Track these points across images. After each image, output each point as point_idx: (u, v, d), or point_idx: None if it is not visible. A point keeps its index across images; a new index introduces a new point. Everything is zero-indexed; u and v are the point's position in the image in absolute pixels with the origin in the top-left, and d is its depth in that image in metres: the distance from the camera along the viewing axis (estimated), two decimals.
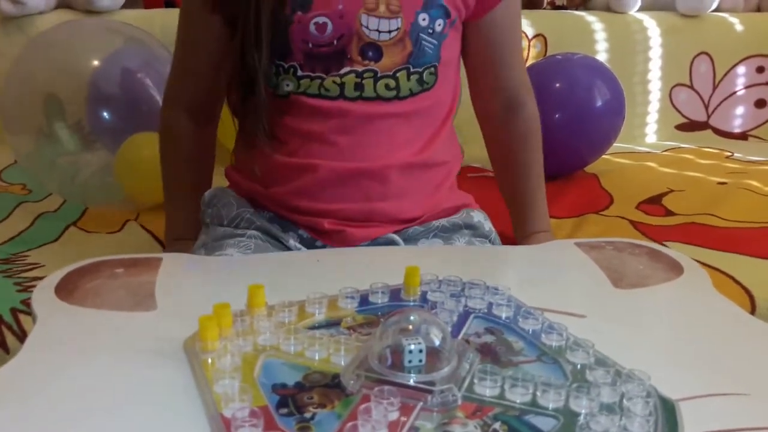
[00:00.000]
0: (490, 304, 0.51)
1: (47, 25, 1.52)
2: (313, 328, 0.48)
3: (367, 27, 0.71)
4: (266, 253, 0.70)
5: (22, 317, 0.84)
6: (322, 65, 0.72)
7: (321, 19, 0.70)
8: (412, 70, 0.74)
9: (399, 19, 0.72)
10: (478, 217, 0.82)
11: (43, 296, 0.53)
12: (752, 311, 0.87)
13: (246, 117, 0.74)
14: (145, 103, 1.19)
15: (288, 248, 0.75)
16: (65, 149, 1.19)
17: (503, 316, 0.50)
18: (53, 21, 1.54)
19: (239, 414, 0.36)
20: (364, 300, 0.52)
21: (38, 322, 0.49)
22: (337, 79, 0.72)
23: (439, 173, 0.80)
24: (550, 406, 0.38)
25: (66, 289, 0.54)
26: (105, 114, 1.18)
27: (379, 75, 0.73)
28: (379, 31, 0.71)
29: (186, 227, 0.86)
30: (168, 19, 1.56)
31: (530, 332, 0.47)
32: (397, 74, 0.73)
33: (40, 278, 0.92)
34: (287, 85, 0.73)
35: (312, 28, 0.71)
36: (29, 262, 0.99)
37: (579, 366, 0.43)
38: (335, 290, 0.52)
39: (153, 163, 0.92)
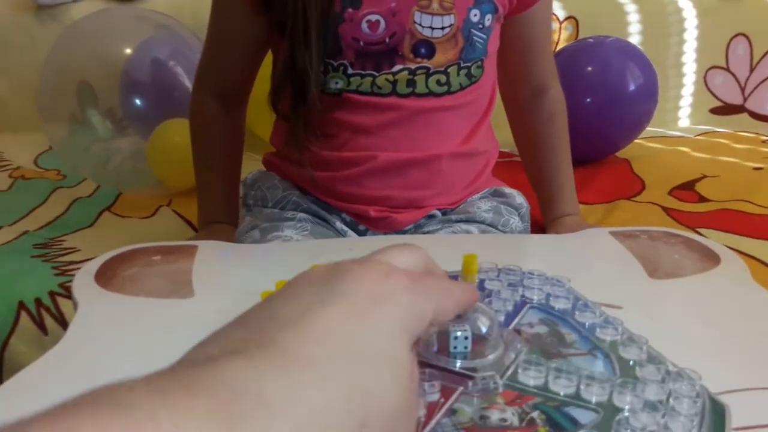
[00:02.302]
0: (548, 295, 0.51)
1: (80, 13, 1.54)
2: None
3: (420, 24, 0.71)
4: (301, 241, 0.71)
5: (59, 300, 0.86)
6: (373, 63, 0.72)
7: (373, 17, 0.70)
8: (462, 65, 0.74)
9: (452, 16, 0.71)
10: (510, 190, 0.83)
11: (83, 283, 0.54)
12: None
13: (295, 119, 0.73)
14: (176, 89, 1.20)
15: (336, 230, 0.76)
16: (98, 135, 1.21)
17: (560, 307, 0.50)
18: (87, 9, 1.55)
19: None
20: None
21: (80, 308, 0.51)
22: (390, 77, 0.72)
23: (479, 162, 0.81)
24: (594, 399, 0.38)
25: (105, 276, 0.55)
26: (137, 101, 1.20)
27: (431, 71, 0.73)
28: (432, 28, 0.71)
29: (218, 210, 0.87)
30: (198, 4, 1.56)
31: (586, 326, 0.47)
32: (449, 69, 0.73)
33: (76, 262, 0.95)
34: (336, 83, 0.73)
35: (364, 26, 0.70)
36: (65, 246, 1.02)
37: (631, 362, 0.42)
38: None
39: (184, 149, 0.93)
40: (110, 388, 0.21)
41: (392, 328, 0.28)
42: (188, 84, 1.18)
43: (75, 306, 0.52)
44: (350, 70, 0.72)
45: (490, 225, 0.78)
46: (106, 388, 0.21)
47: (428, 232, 0.77)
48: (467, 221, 0.77)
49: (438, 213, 0.78)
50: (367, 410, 0.24)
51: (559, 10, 1.68)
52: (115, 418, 0.19)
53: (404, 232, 0.77)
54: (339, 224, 0.77)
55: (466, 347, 0.41)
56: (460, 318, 0.42)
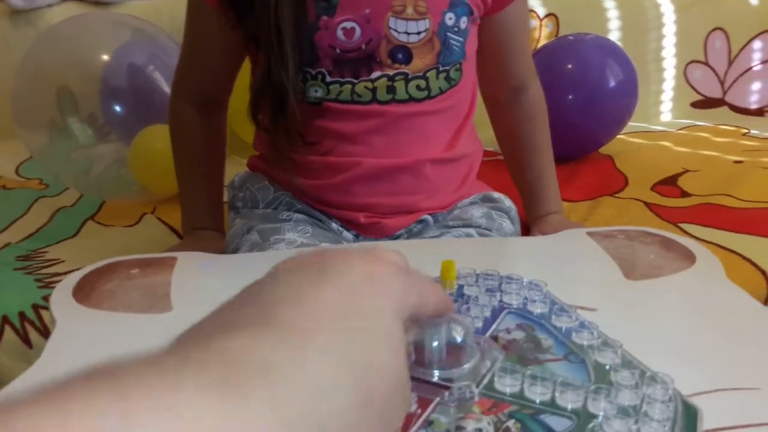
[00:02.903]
0: (526, 300, 0.52)
1: (56, 18, 1.52)
2: None
3: (395, 30, 0.71)
4: (282, 251, 0.71)
5: (43, 313, 0.86)
6: (351, 70, 0.72)
7: (348, 24, 0.70)
8: (441, 69, 0.74)
9: (427, 20, 0.71)
10: (498, 195, 0.84)
11: (61, 299, 0.54)
12: None
13: (275, 129, 0.73)
14: (156, 94, 1.20)
15: (333, 232, 0.76)
16: (79, 142, 1.20)
17: (537, 312, 0.50)
18: (62, 13, 1.54)
19: None
20: None
21: (57, 325, 0.50)
22: (369, 84, 0.72)
23: (465, 165, 0.82)
24: (569, 406, 0.38)
25: (83, 291, 0.55)
26: (117, 107, 1.19)
27: (410, 77, 0.73)
28: (408, 33, 0.71)
29: (201, 216, 0.87)
30: (176, 9, 1.55)
31: (562, 330, 0.47)
32: (427, 74, 0.73)
33: (60, 274, 0.95)
34: (316, 92, 0.73)
35: (339, 33, 0.70)
36: (48, 258, 1.01)
37: (606, 367, 0.43)
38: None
39: (166, 155, 0.93)
40: (104, 367, 0.20)
41: (387, 305, 0.29)
42: (167, 89, 1.17)
43: (53, 322, 0.52)
44: (328, 78, 0.72)
45: (485, 229, 0.78)
46: (100, 368, 0.20)
47: (422, 234, 0.77)
48: (465, 226, 0.78)
49: (429, 218, 0.78)
50: (370, 382, 0.25)
51: (539, 7, 1.68)
52: (111, 399, 0.19)
53: (396, 238, 0.77)
54: (334, 225, 0.77)
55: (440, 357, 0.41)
56: (433, 327, 0.42)
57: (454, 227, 0.78)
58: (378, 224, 0.76)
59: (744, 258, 0.91)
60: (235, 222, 0.80)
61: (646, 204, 1.14)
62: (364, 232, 0.77)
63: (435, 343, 0.41)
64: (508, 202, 0.84)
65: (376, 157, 0.75)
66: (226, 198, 0.90)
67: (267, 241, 0.72)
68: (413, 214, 0.77)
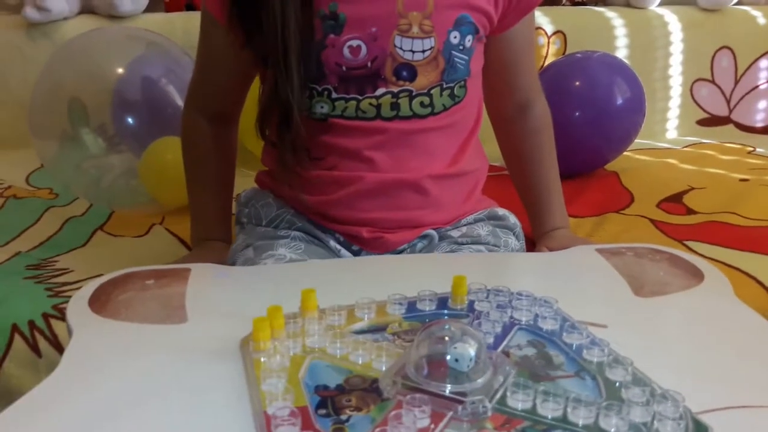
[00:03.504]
0: (536, 316, 0.52)
1: (71, 31, 1.54)
2: (360, 332, 0.51)
3: (401, 48, 0.72)
4: (292, 263, 0.72)
5: (53, 322, 0.86)
6: (356, 87, 0.73)
7: (355, 42, 0.71)
8: (445, 86, 0.75)
9: (432, 39, 0.73)
10: (503, 212, 0.84)
11: (77, 309, 0.55)
12: None
13: (282, 145, 0.74)
14: (168, 107, 1.21)
15: (330, 249, 0.77)
16: (90, 152, 1.21)
17: (548, 329, 0.51)
18: (77, 26, 1.56)
19: (279, 413, 0.39)
20: (411, 307, 0.54)
21: (74, 335, 0.51)
22: (374, 101, 0.73)
23: (470, 181, 0.82)
24: (581, 423, 0.39)
25: (99, 301, 0.56)
26: (129, 119, 1.20)
27: (414, 94, 0.74)
28: (413, 51, 0.72)
29: (211, 228, 0.88)
30: (189, 23, 1.57)
31: (573, 347, 0.48)
32: (432, 91, 0.74)
33: (70, 283, 0.95)
34: (321, 107, 0.74)
35: (346, 51, 0.72)
36: (59, 267, 1.02)
37: (617, 384, 0.43)
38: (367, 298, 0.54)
39: (177, 167, 0.94)
40: None
41: None
42: (180, 102, 1.18)
43: (69, 332, 0.52)
44: (334, 95, 0.73)
45: (493, 245, 0.80)
46: None
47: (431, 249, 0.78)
48: (473, 243, 0.79)
49: (433, 233, 0.79)
50: None
51: (547, 25, 1.70)
52: None
53: (400, 252, 0.78)
54: (333, 243, 0.78)
55: (468, 366, 0.42)
56: (446, 342, 0.43)
57: (464, 244, 0.78)
58: (381, 239, 0.77)
59: (749, 276, 0.91)
60: (238, 237, 0.82)
61: (652, 221, 1.15)
62: (367, 246, 0.78)
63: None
64: (513, 219, 0.85)
65: (379, 173, 0.75)
66: (234, 210, 0.91)
67: (259, 257, 0.73)
68: (417, 228, 0.78)
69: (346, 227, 0.77)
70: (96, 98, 1.19)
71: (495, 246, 0.80)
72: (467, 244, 0.78)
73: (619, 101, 1.32)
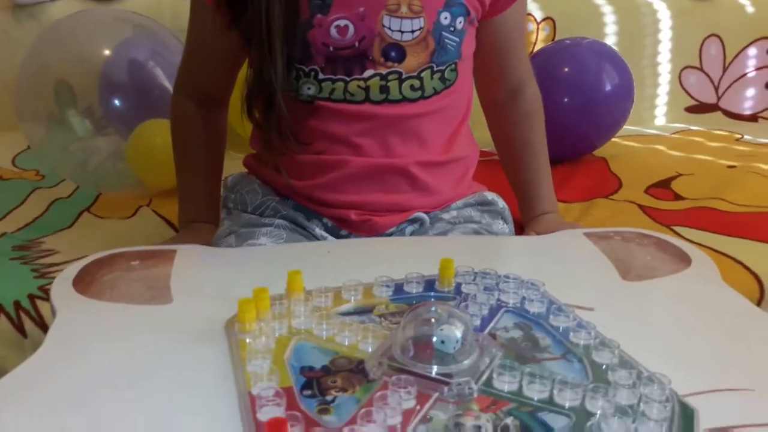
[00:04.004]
0: (523, 299, 0.52)
1: (58, 12, 1.52)
2: (346, 314, 0.50)
3: (389, 28, 0.71)
4: (278, 245, 0.72)
5: (39, 303, 0.86)
6: (344, 68, 0.72)
7: (342, 22, 0.71)
8: (435, 68, 0.74)
9: (421, 19, 0.72)
10: (492, 196, 0.84)
11: (61, 289, 0.54)
12: (761, 297, 0.88)
13: (267, 126, 0.74)
14: (156, 89, 1.20)
15: (315, 236, 0.77)
16: (77, 135, 1.20)
17: (535, 311, 0.51)
18: (64, 8, 1.54)
19: (264, 393, 0.38)
20: (398, 289, 0.54)
21: (58, 315, 0.51)
22: (362, 83, 0.72)
23: (460, 167, 0.82)
24: (567, 404, 0.39)
25: (83, 282, 0.55)
26: (116, 101, 1.19)
27: (404, 76, 0.73)
28: (402, 32, 0.71)
29: (199, 210, 0.87)
30: (177, 6, 1.55)
31: (560, 330, 0.48)
32: (422, 74, 0.74)
33: (56, 264, 0.95)
34: (308, 89, 0.73)
35: (333, 31, 0.71)
36: (44, 248, 1.01)
37: (603, 366, 0.43)
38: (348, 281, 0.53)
39: (164, 150, 0.93)
40: None
41: None
42: (167, 85, 1.17)
43: (53, 312, 0.52)
44: (321, 75, 0.73)
45: (485, 228, 0.80)
46: None
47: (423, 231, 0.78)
48: (466, 222, 0.79)
49: (423, 216, 0.78)
50: None
51: (536, 11, 1.69)
52: None
53: (388, 235, 0.77)
54: (318, 230, 0.77)
55: (454, 348, 0.42)
56: (433, 323, 0.43)
57: (457, 224, 0.78)
58: (369, 221, 0.76)
59: (736, 261, 0.92)
60: (223, 223, 0.81)
61: (640, 206, 1.15)
62: (355, 230, 0.77)
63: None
64: (501, 203, 0.85)
65: (366, 157, 0.75)
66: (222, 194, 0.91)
67: (240, 246, 0.73)
68: (406, 212, 0.78)
69: (333, 210, 0.77)
70: (83, 80, 1.18)
71: (486, 229, 0.80)
72: (460, 223, 0.78)
73: (608, 88, 1.33)
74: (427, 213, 0.79)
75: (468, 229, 0.77)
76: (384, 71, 0.73)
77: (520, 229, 0.92)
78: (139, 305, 0.52)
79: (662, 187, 1.26)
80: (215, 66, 0.83)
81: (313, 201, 0.77)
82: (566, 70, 1.33)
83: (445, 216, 0.80)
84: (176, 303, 0.52)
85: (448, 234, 0.76)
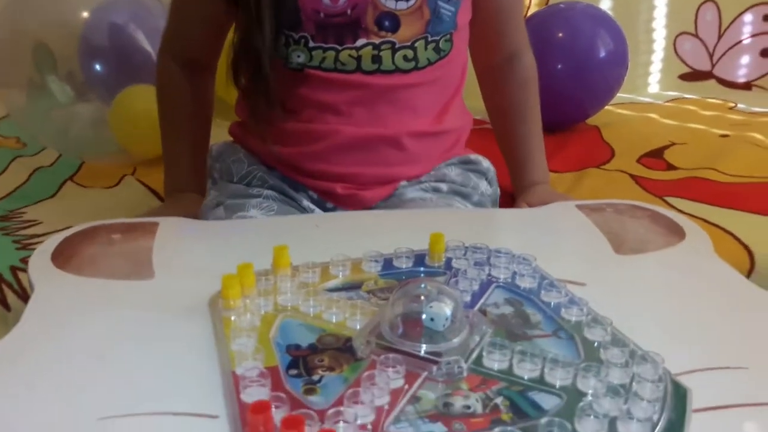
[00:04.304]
0: (514, 274, 0.51)
1: None
2: (334, 290, 0.49)
3: None
4: (264, 218, 0.70)
5: (21, 275, 0.84)
6: (335, 36, 0.70)
7: None
8: (429, 39, 0.72)
9: None
10: (476, 156, 0.83)
11: (39, 264, 0.53)
12: (751, 268, 0.87)
13: (254, 94, 0.72)
14: (138, 54, 1.16)
15: (303, 208, 0.75)
16: (58, 101, 1.17)
17: (526, 286, 0.50)
18: None
19: (248, 373, 0.37)
20: (387, 264, 0.53)
21: (35, 291, 0.49)
22: (354, 53, 0.70)
23: (451, 137, 0.80)
24: (557, 383, 0.38)
25: (63, 256, 0.54)
26: (97, 66, 1.16)
27: (397, 46, 0.71)
28: (396, 0, 0.69)
29: (185, 179, 0.85)
30: None
31: (551, 306, 0.47)
32: (416, 44, 0.71)
33: (39, 236, 0.93)
34: (298, 57, 0.71)
35: None
36: (27, 219, 0.99)
37: (595, 344, 0.42)
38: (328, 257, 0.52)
39: (148, 116, 0.91)
40: None
41: None
42: (150, 49, 1.14)
43: (31, 287, 0.50)
44: (311, 43, 0.70)
45: (460, 185, 0.78)
46: None
47: (395, 197, 0.76)
48: (436, 181, 0.77)
49: (405, 183, 0.77)
50: None
51: None
52: None
53: (373, 208, 0.76)
54: (306, 202, 0.76)
55: (444, 325, 0.41)
56: (422, 301, 0.42)
57: (425, 182, 0.77)
58: (355, 196, 0.75)
59: (727, 232, 0.91)
60: (210, 193, 0.79)
61: (632, 176, 1.14)
62: (341, 203, 0.76)
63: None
64: (486, 164, 0.84)
65: (355, 127, 0.73)
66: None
67: (230, 218, 0.71)
68: (392, 183, 0.76)
69: (319, 182, 0.75)
70: (62, 44, 1.15)
71: (462, 185, 0.78)
72: (428, 182, 0.76)
73: (602, 53, 1.31)
74: (409, 181, 0.78)
75: (429, 187, 0.75)
76: (377, 41, 0.70)
77: (511, 199, 0.91)
78: (120, 281, 0.50)
79: (655, 156, 1.24)
80: (201, 29, 0.80)
81: (299, 172, 0.76)
82: (560, 35, 1.31)
83: (423, 179, 0.78)
84: (158, 278, 0.51)
85: (409, 190, 0.75)
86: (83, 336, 0.43)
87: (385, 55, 0.71)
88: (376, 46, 0.70)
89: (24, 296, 0.83)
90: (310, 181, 0.75)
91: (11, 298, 0.83)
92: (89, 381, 0.39)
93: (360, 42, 0.70)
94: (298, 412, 0.34)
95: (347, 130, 0.72)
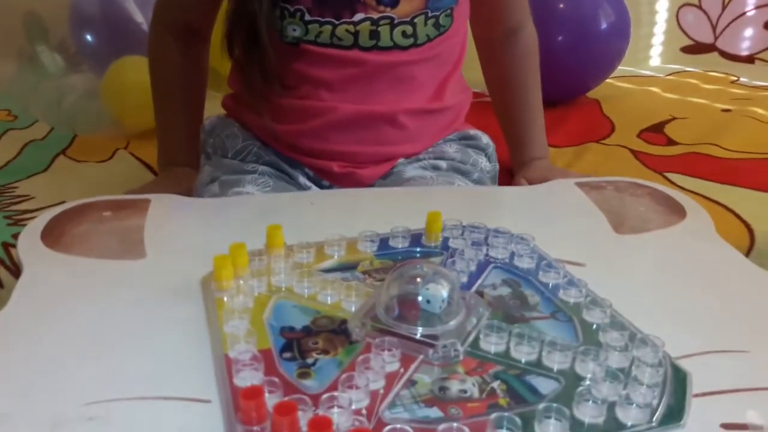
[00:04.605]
0: (512, 254, 0.50)
1: None
2: (329, 270, 0.48)
3: None
4: (257, 195, 0.69)
5: (13, 252, 0.83)
6: (332, 10, 0.67)
7: None
8: (430, 14, 0.70)
9: None
10: (475, 132, 0.81)
11: (29, 243, 0.52)
12: (751, 245, 0.86)
13: (249, 65, 0.70)
14: (130, 24, 1.14)
15: (299, 185, 0.74)
16: (49, 72, 1.15)
17: (524, 267, 0.49)
18: None
19: (241, 357, 0.36)
20: (383, 244, 0.52)
21: (25, 270, 0.48)
22: (351, 28, 0.68)
23: (450, 114, 0.78)
24: (555, 367, 0.37)
25: (52, 235, 0.53)
26: (88, 36, 1.14)
27: (396, 21, 0.69)
28: None
29: (178, 151, 0.84)
30: None
31: (549, 287, 0.46)
32: (415, 20, 0.69)
33: (31, 211, 0.91)
34: (294, 30, 0.69)
35: None
36: (18, 194, 0.97)
37: (594, 326, 0.41)
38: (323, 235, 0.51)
39: (140, 88, 0.89)
40: None
41: None
42: (141, 19, 1.12)
43: (20, 267, 0.49)
44: (308, 17, 0.68)
45: (459, 162, 0.76)
46: None
47: (394, 175, 0.75)
48: (435, 159, 0.76)
49: (403, 161, 0.76)
50: None
51: None
52: None
53: (371, 186, 0.75)
54: (302, 179, 0.74)
55: (440, 307, 0.40)
56: (418, 283, 0.41)
57: (423, 159, 0.75)
58: (352, 174, 0.73)
59: (728, 209, 0.90)
60: (204, 168, 0.78)
61: (632, 151, 1.13)
62: (337, 182, 0.74)
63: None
64: (485, 139, 0.82)
65: (352, 104, 0.71)
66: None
67: (225, 194, 0.70)
68: (389, 161, 0.75)
69: (315, 161, 0.73)
70: (52, 13, 1.12)
71: (461, 162, 0.77)
72: (426, 159, 0.75)
73: (604, 25, 1.28)
74: (407, 158, 0.76)
75: (428, 164, 0.74)
76: (375, 16, 0.68)
77: (510, 174, 0.90)
78: (111, 260, 0.49)
79: (655, 131, 1.23)
80: None
81: (295, 150, 0.74)
82: (561, 5, 1.28)
83: (421, 156, 0.77)
84: (150, 258, 0.50)
85: (408, 168, 0.73)
86: (72, 318, 0.43)
87: (384, 30, 0.69)
88: (374, 21, 0.68)
89: (16, 273, 0.82)
90: (306, 159, 0.74)
91: (4, 274, 0.82)
92: (78, 364, 0.38)
93: (358, 17, 0.68)
94: (291, 398, 0.34)
95: (344, 108, 0.71)
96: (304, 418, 0.32)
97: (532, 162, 0.87)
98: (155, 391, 0.36)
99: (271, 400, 0.33)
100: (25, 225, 0.86)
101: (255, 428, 0.31)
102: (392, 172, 0.75)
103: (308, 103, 0.71)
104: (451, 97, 0.77)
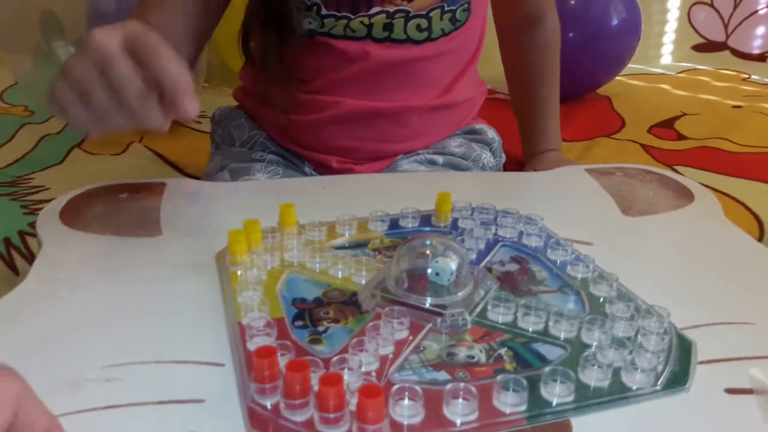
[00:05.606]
0: (521, 233, 0.51)
1: None
2: (340, 248, 0.49)
3: None
4: (267, 180, 0.70)
5: (30, 240, 0.85)
6: (349, 4, 0.67)
7: None
8: (446, 8, 0.69)
9: None
10: (481, 126, 0.81)
11: (47, 221, 0.53)
12: (760, 237, 0.86)
13: (269, 60, 0.69)
14: None
15: (305, 174, 0.74)
16: None
17: (532, 245, 0.49)
18: None
19: (254, 323, 0.37)
20: (394, 224, 0.52)
21: (43, 247, 0.49)
22: (365, 20, 0.67)
23: (459, 111, 0.78)
24: (562, 336, 0.38)
25: (70, 214, 0.54)
26: None
27: (411, 15, 0.68)
28: None
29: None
30: None
31: (557, 263, 0.47)
32: (431, 14, 0.69)
33: (46, 201, 0.92)
34: (309, 23, 0.69)
35: None
36: (34, 185, 0.99)
37: (601, 299, 0.42)
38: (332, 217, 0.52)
39: None
40: None
41: None
42: None
43: (39, 244, 0.50)
44: (324, 11, 0.68)
45: (461, 158, 0.76)
46: None
47: (389, 169, 0.75)
48: (434, 153, 0.76)
49: (403, 156, 0.76)
50: None
51: None
52: None
53: None
54: (307, 168, 0.75)
55: (449, 280, 0.41)
56: (428, 255, 0.42)
57: (422, 154, 0.75)
58: (351, 170, 0.73)
59: (738, 201, 0.90)
60: (213, 158, 0.79)
61: (642, 146, 1.13)
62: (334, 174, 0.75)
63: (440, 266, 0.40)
64: (491, 133, 0.81)
65: (358, 99, 0.71)
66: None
67: (236, 181, 0.70)
68: (389, 158, 0.75)
69: (315, 154, 0.74)
70: (69, 10, 1.14)
71: (462, 158, 0.76)
72: (428, 154, 0.75)
73: (615, 22, 1.28)
74: (407, 154, 0.76)
75: (423, 158, 0.74)
76: (391, 9, 0.68)
77: (519, 166, 0.90)
78: (127, 237, 0.50)
79: (666, 126, 1.23)
80: None
81: (297, 142, 0.75)
82: (572, 2, 1.29)
83: (421, 150, 0.76)
84: (165, 235, 0.51)
85: (404, 161, 0.73)
86: (90, 288, 0.44)
87: (398, 23, 0.68)
88: (389, 14, 0.68)
89: (32, 260, 0.83)
90: (306, 152, 0.74)
91: (19, 261, 0.84)
92: (95, 331, 0.39)
93: (374, 10, 0.68)
94: (303, 359, 0.34)
95: (348, 103, 0.71)
96: (315, 378, 0.33)
97: (544, 153, 0.87)
98: (169, 355, 0.37)
99: (283, 361, 0.34)
100: None
101: (267, 385, 0.32)
102: (389, 167, 0.75)
103: (317, 97, 0.72)
104: (462, 92, 0.77)
